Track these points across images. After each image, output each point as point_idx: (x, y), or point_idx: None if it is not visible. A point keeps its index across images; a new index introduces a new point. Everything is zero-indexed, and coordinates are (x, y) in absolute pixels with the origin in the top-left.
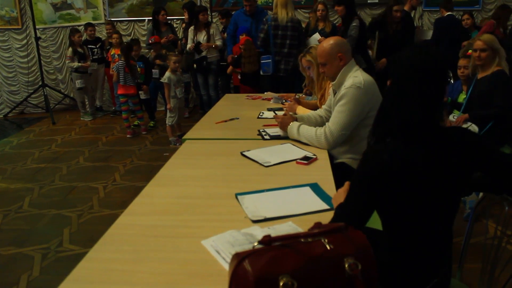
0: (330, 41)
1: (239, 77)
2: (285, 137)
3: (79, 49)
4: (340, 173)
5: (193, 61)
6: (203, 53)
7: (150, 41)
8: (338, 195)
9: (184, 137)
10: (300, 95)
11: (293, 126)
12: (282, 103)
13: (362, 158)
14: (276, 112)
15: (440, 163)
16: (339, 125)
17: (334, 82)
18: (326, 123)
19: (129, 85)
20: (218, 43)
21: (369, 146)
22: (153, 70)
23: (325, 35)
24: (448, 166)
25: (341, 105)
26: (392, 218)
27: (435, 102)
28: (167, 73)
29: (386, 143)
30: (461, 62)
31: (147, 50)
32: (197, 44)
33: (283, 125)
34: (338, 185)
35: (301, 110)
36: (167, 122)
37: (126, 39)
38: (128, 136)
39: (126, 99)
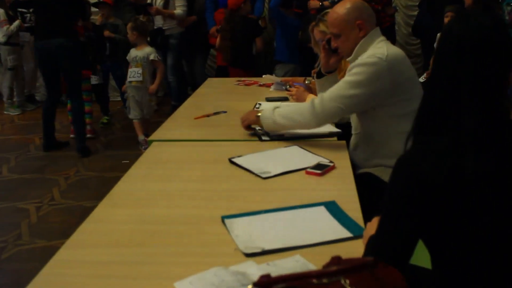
0: (347, 5)
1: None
2: (290, 137)
3: (11, 12)
4: (365, 187)
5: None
6: (159, 23)
7: None
8: (373, 226)
9: (151, 138)
10: (311, 79)
11: (268, 108)
12: (287, 89)
13: (394, 167)
14: (277, 102)
15: (508, 175)
16: (336, 94)
17: (350, 58)
18: (320, 95)
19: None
20: (178, 11)
21: (403, 152)
22: None
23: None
24: None
25: (348, 75)
26: (444, 252)
27: (496, 90)
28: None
29: (428, 144)
30: None
31: (95, 17)
32: (145, 6)
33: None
34: (364, 203)
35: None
36: (131, 115)
37: None
38: (72, 136)
39: None
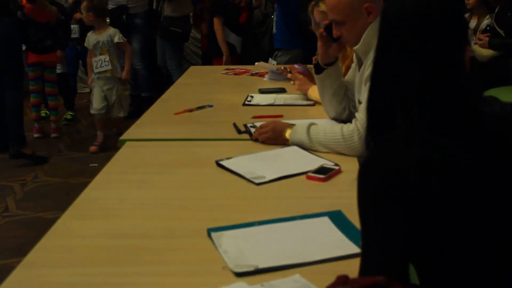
0: None
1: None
2: None
3: None
4: None
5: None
6: (122, 0)
7: None
8: None
9: (123, 137)
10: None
11: (299, 127)
12: (288, 72)
13: (360, 174)
14: (272, 94)
15: (487, 167)
16: None
17: (357, 47)
18: (356, 114)
19: (45, 48)
20: None
21: (364, 157)
22: (71, 27)
23: None
24: (503, 172)
25: None
26: (430, 266)
27: (444, 73)
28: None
29: (389, 141)
30: None
31: None
32: None
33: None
34: None
35: (316, 91)
36: (92, 110)
37: None
38: (35, 135)
39: (38, 72)
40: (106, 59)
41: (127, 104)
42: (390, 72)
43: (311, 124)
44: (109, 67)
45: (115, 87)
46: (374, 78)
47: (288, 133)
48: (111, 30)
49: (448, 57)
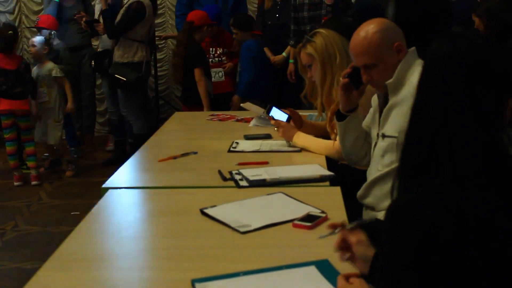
0: (374, 27)
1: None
2: (274, 183)
3: None
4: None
5: (92, 55)
6: (107, 44)
7: (37, 23)
8: None
9: (107, 185)
10: (302, 113)
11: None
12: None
13: (388, 217)
14: (257, 140)
15: None
16: None
17: (390, 81)
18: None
19: (16, 94)
20: None
21: (394, 199)
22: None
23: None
24: None
25: None
26: None
27: (493, 119)
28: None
29: (425, 187)
30: None
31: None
32: (91, 22)
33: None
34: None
35: (301, 138)
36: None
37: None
38: (16, 183)
39: (11, 120)
40: (44, 91)
41: (58, 137)
42: (437, 115)
43: None
44: (46, 98)
45: (50, 119)
46: (414, 121)
47: None
48: (50, 65)
49: (497, 105)
